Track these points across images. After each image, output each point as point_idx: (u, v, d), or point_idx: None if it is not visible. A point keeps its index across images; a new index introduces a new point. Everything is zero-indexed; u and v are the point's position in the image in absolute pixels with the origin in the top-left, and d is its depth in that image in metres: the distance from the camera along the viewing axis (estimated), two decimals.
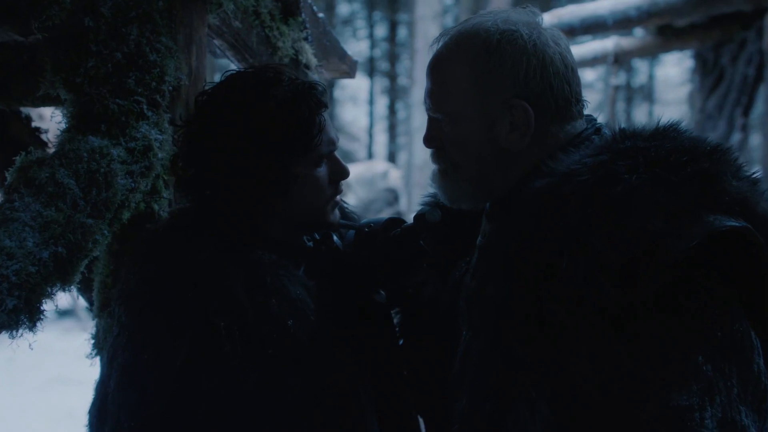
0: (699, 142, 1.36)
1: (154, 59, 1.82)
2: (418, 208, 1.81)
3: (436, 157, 1.57)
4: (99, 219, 1.67)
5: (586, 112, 1.57)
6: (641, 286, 1.23)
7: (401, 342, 1.85)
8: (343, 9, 26.67)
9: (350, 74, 2.68)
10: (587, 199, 1.29)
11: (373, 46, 26.36)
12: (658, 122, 1.42)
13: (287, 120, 1.64)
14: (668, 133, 1.38)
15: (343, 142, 25.34)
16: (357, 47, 25.96)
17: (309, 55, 2.33)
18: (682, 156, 1.31)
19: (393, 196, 11.34)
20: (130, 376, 1.57)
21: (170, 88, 1.85)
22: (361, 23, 26.85)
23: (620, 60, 7.30)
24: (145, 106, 1.80)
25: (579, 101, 1.51)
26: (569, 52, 1.52)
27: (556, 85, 1.45)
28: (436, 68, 1.53)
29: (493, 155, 1.48)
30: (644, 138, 1.37)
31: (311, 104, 1.67)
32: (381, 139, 26.56)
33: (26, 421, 7.00)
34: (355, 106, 27.02)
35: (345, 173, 1.78)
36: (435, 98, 1.53)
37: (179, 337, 1.53)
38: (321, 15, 2.42)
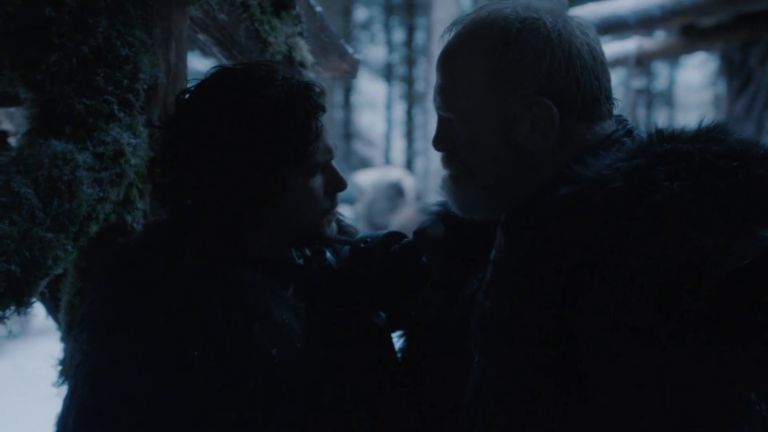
0: (750, 146, 1.24)
1: (126, 54, 1.67)
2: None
3: (447, 161, 1.47)
4: (61, 233, 1.52)
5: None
6: (684, 311, 1.12)
7: (404, 369, 1.74)
8: (360, 14, 26.67)
9: (351, 74, 2.52)
10: (621, 210, 1.20)
11: (390, 50, 26.40)
12: (701, 123, 1.29)
13: (280, 124, 1.50)
14: (713, 135, 1.26)
15: (360, 148, 25.42)
16: (375, 52, 25.95)
17: (304, 51, 2.17)
18: (731, 161, 1.19)
19: (401, 201, 11.17)
20: (89, 415, 1.42)
21: (145, 86, 1.72)
22: (378, 28, 26.81)
23: (642, 62, 7.13)
24: (115, 107, 1.66)
25: (609, 99, 1.41)
26: (598, 43, 1.42)
27: (583, 80, 1.36)
28: (447, 61, 1.43)
29: (511, 159, 1.39)
30: (685, 140, 1.25)
31: (307, 107, 1.54)
32: (398, 145, 26.53)
33: (33, 430, 6.88)
34: (372, 111, 27.05)
35: (342, 185, 1.64)
36: (446, 95, 1.43)
37: (146, 370, 1.39)
38: (318, 9, 2.25)
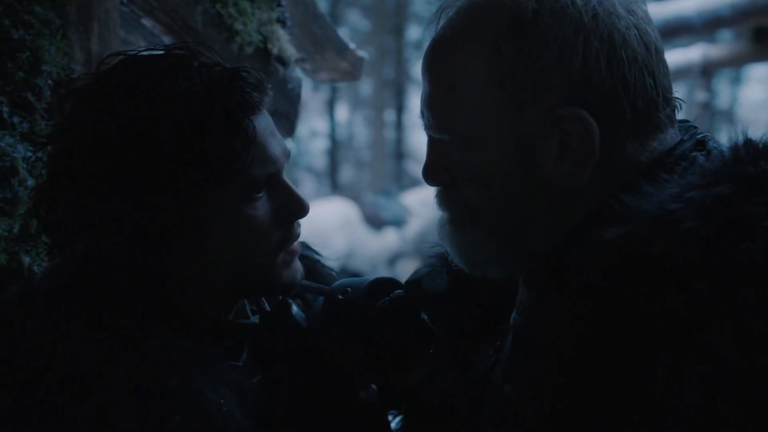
0: None
1: (21, 38, 1.39)
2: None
3: (444, 198, 1.24)
4: None
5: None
6: None
7: None
8: (412, 33, 26.88)
9: (353, 75, 2.14)
10: (701, 266, 0.98)
11: None
12: None
13: (190, 129, 1.20)
14: None
15: (411, 167, 25.48)
16: None
17: (284, 43, 1.80)
18: None
19: None
20: None
21: (51, 81, 1.44)
22: None
23: (708, 71, 6.86)
24: (5, 109, 1.36)
25: (668, 101, 1.17)
26: (650, 23, 1.17)
27: (632, 78, 1.12)
28: (436, 60, 1.20)
29: (532, 196, 1.17)
30: None
31: (232, 103, 1.22)
32: None
33: None
34: (421, 131, 27.49)
35: (300, 207, 1.31)
36: (437, 108, 1.19)
37: None
38: None
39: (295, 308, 1.44)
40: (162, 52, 1.27)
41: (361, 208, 9.55)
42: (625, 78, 1.12)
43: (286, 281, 1.33)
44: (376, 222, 9.66)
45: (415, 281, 1.31)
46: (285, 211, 1.30)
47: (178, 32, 1.68)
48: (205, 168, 1.20)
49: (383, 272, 8.27)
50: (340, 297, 1.40)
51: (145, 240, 1.22)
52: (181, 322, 1.25)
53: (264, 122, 1.27)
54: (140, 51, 1.28)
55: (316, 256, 1.54)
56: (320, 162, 18.20)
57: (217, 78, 1.22)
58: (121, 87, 1.22)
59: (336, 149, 17.68)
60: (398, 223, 11.23)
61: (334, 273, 1.55)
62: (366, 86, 17.81)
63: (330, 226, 8.35)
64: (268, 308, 1.42)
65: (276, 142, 1.29)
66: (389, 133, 23.33)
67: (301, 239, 1.42)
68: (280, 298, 1.41)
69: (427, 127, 1.21)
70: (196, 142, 1.19)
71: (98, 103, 1.22)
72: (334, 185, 16.33)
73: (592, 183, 1.15)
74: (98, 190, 1.20)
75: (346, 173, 18.06)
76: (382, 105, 17.10)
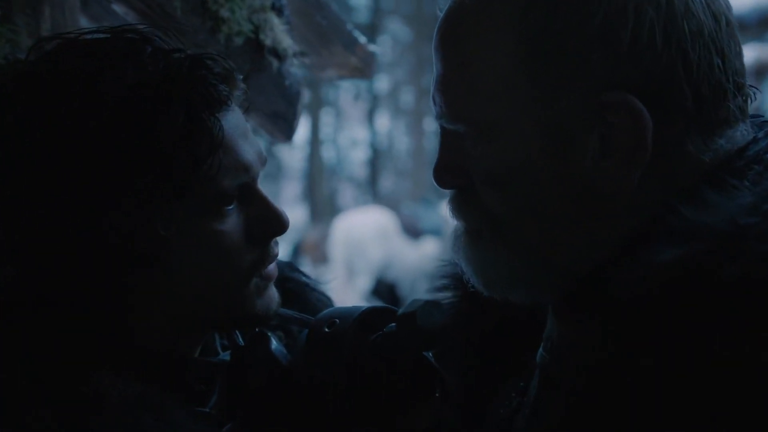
0: None
1: None
2: None
3: (459, 205, 1.09)
4: None
5: None
6: None
7: None
8: None
9: (364, 73, 1.94)
10: None
11: None
12: None
13: (138, 130, 1.02)
14: None
15: None
16: None
17: (279, 33, 1.60)
18: None
19: None
20: None
21: None
22: None
23: (761, 74, 6.56)
24: None
25: (741, 88, 1.02)
26: None
27: (696, 56, 0.98)
28: (451, 35, 1.05)
29: (567, 202, 1.03)
30: None
31: (192, 97, 1.04)
32: None
33: None
34: None
35: (278, 223, 1.14)
36: (451, 93, 1.05)
37: None
38: None
39: (274, 342, 1.25)
40: (107, 35, 1.08)
41: (399, 218, 9.47)
42: (687, 56, 0.97)
43: (260, 312, 1.16)
44: (413, 232, 9.56)
45: (407, 315, 1.14)
46: (260, 227, 1.13)
47: (154, 20, 1.49)
48: (159, 177, 1.02)
49: (422, 284, 8.13)
50: (327, 330, 1.24)
51: (86, 265, 1.03)
52: (134, 361, 1.07)
53: (234, 121, 1.11)
54: (81, 34, 1.08)
55: (304, 279, 1.35)
56: (361, 171, 18.26)
57: (175, 67, 1.04)
58: (55, 78, 1.05)
59: (376, 158, 17.71)
60: (437, 232, 11.07)
61: (324, 299, 1.35)
62: (406, 95, 17.87)
63: (366, 235, 8.28)
64: (241, 342, 1.25)
65: (249, 146, 1.12)
66: (429, 142, 23.53)
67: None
68: (257, 330, 1.22)
69: (440, 116, 1.06)
70: (148, 145, 1.02)
71: (25, 98, 1.03)
72: (374, 194, 16.33)
73: (643, 188, 1.00)
74: (25, 204, 1.02)
75: (387, 182, 18.05)
76: (422, 113, 17.14)
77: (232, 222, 1.11)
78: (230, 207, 1.10)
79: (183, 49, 1.08)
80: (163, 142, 1.01)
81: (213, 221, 1.09)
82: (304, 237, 9.23)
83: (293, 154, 16.65)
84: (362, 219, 8.56)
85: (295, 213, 16.30)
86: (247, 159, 1.10)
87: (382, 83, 16.99)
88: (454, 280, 1.27)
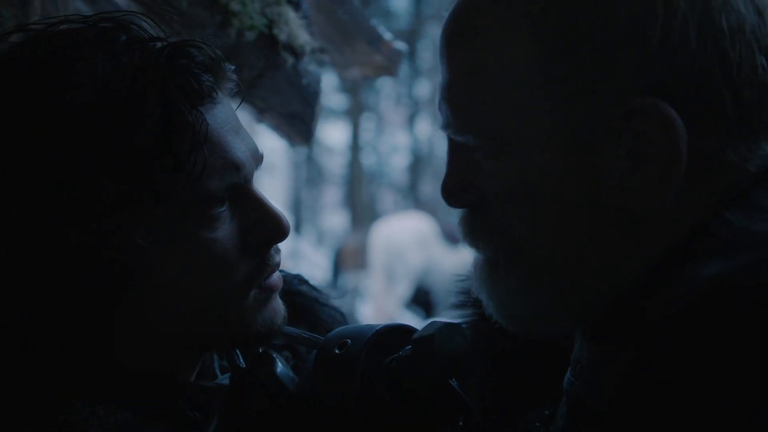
0: None
1: None
2: None
3: (471, 226, 0.99)
4: None
5: None
6: None
7: None
8: None
9: (390, 70, 1.86)
10: None
11: None
12: None
13: (110, 126, 0.93)
14: None
15: None
16: None
17: (295, 28, 1.51)
18: None
19: None
20: None
21: None
22: None
23: None
24: None
25: None
26: None
27: (736, 55, 0.88)
28: (459, 35, 0.96)
29: (594, 221, 0.93)
30: None
31: (171, 90, 0.95)
32: None
33: None
34: None
35: (276, 227, 1.04)
36: (459, 100, 0.96)
37: None
38: None
39: (279, 364, 1.14)
40: (81, 24, 0.98)
41: (439, 224, 9.43)
42: (726, 56, 0.88)
43: (261, 327, 1.05)
44: (453, 238, 9.51)
45: (425, 339, 1.02)
46: (256, 233, 1.03)
47: (158, 13, 1.40)
48: (134, 179, 0.92)
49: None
50: (337, 351, 1.12)
51: (55, 281, 0.93)
52: (118, 386, 1.00)
53: (223, 115, 1.00)
54: (50, 23, 0.99)
55: (314, 293, 1.24)
56: (401, 177, 18.19)
57: (153, 56, 0.95)
58: (20, 71, 0.95)
59: (417, 164, 17.63)
60: None
61: (337, 315, 1.24)
62: None
63: (406, 242, 8.21)
64: (243, 364, 1.13)
65: (240, 142, 1.02)
66: None
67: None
68: (260, 350, 1.11)
69: (446, 126, 0.97)
70: (120, 144, 0.91)
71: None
72: (415, 200, 16.26)
73: (680, 204, 0.90)
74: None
75: (427, 188, 17.98)
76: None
77: (222, 229, 1.01)
78: (220, 211, 1.00)
79: (164, 38, 0.98)
80: (137, 139, 0.92)
81: (200, 228, 0.99)
82: (344, 243, 9.20)
83: (334, 160, 16.66)
84: (402, 225, 8.49)
85: (336, 219, 16.27)
86: (238, 157, 1.00)
87: (423, 88, 16.90)
88: (472, 296, 1.15)
